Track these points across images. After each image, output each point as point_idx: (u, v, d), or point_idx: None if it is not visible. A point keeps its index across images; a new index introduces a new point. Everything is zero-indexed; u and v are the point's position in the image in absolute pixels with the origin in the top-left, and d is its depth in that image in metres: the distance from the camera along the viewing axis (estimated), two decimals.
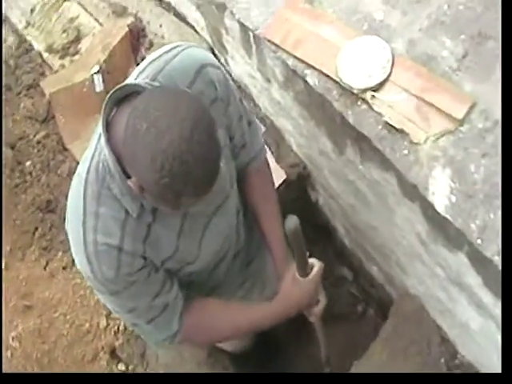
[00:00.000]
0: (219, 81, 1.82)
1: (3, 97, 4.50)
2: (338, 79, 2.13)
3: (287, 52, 2.29)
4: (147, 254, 1.79)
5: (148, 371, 3.30)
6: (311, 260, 2.18)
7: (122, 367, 3.49)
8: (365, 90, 2.07)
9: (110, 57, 3.93)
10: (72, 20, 4.45)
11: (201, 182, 1.46)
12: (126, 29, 3.96)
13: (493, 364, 2.16)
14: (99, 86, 3.91)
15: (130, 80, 1.73)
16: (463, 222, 1.80)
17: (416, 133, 1.97)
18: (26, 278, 3.92)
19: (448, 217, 1.84)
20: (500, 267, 1.71)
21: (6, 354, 3.54)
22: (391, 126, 2.01)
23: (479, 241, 1.76)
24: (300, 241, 2.02)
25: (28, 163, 4.29)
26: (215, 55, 3.06)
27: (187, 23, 3.57)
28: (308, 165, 3.05)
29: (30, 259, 4.00)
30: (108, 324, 3.73)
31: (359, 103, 2.10)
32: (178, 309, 1.96)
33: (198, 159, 1.41)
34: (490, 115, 1.86)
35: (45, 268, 3.96)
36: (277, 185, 2.74)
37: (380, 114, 2.04)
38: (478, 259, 1.83)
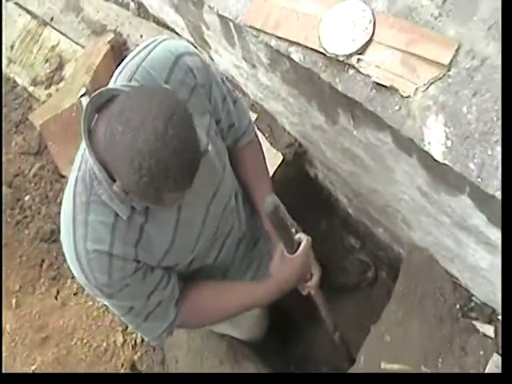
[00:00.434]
0: (197, 67, 1.85)
1: None
2: (322, 50, 2.13)
3: (269, 34, 2.29)
4: (140, 257, 1.81)
5: None
6: (298, 235, 2.15)
7: None
8: (350, 55, 2.07)
9: (94, 77, 3.96)
10: (53, 48, 4.49)
11: (181, 176, 1.47)
12: (108, 46, 3.99)
13: None
14: None
15: (109, 85, 1.74)
16: (462, 164, 1.81)
17: (405, 86, 1.97)
18: (39, 312, 3.93)
19: (447, 162, 1.85)
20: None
21: None
22: (380, 85, 2.01)
23: (479, 179, 1.77)
24: (281, 220, 1.98)
25: (27, 198, 4.31)
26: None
27: (167, 27, 3.60)
28: (303, 142, 3.07)
29: (40, 291, 4.02)
30: (125, 340, 3.75)
31: (346, 69, 2.10)
32: (174, 298, 1.99)
33: (174, 154, 1.42)
34: (476, 54, 1.87)
35: (56, 298, 3.98)
36: (274, 167, 2.79)
37: (368, 76, 2.04)
38: (480, 198, 1.84)
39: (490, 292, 2.33)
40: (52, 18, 4.56)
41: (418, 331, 2.47)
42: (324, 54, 2.14)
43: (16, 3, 4.76)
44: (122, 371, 3.63)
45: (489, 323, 2.37)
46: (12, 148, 4.54)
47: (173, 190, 1.50)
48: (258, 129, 2.57)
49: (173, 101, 1.48)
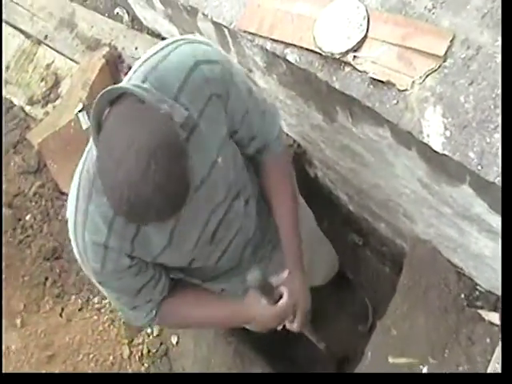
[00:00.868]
0: (215, 78, 1.76)
1: None
2: (318, 50, 2.14)
3: (264, 37, 2.30)
4: (135, 253, 1.81)
5: None
6: (282, 289, 2.13)
7: None
8: (346, 53, 2.09)
9: (91, 92, 3.96)
10: (48, 66, 4.50)
11: (162, 210, 1.44)
12: (103, 60, 3.99)
13: None
14: (85, 123, 3.94)
15: (123, 81, 1.72)
16: (461, 153, 1.83)
17: (402, 80, 1.98)
18: (44, 330, 3.92)
19: (446, 153, 1.86)
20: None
21: None
22: (377, 80, 2.02)
23: (479, 167, 1.79)
24: (263, 289, 2.04)
25: (28, 217, 4.29)
26: None
27: (162, 38, 3.61)
28: (302, 142, 3.07)
29: (44, 310, 4.01)
30: (131, 352, 3.75)
31: (342, 67, 2.11)
32: (160, 299, 2.02)
33: (156, 188, 1.38)
34: (471, 43, 1.89)
35: (61, 315, 3.97)
36: None
37: (365, 72, 2.05)
38: (481, 186, 1.86)
39: (495, 279, 2.34)
40: (46, 36, 4.57)
41: (424, 323, 2.48)
42: (320, 54, 2.16)
43: (9, 23, 4.78)
44: None
45: (494, 311, 2.39)
46: (11, 168, 4.53)
47: (154, 220, 1.47)
48: None
49: (162, 131, 1.42)
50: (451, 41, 1.93)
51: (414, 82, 1.97)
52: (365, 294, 3.49)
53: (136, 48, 3.93)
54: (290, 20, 2.27)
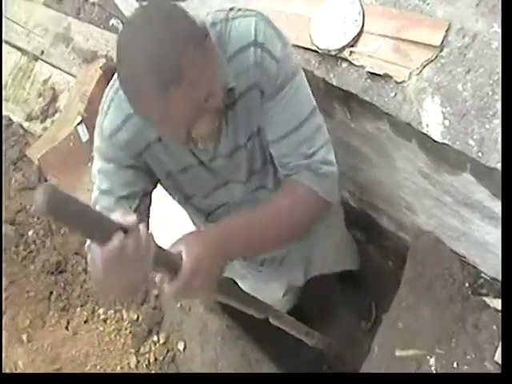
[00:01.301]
0: (267, 70, 1.68)
1: None
2: (314, 48, 2.16)
3: None
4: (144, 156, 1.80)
5: None
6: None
7: None
8: (343, 49, 2.10)
9: (89, 104, 3.99)
10: (45, 82, 4.53)
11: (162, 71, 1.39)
12: (100, 72, 4.02)
13: None
14: (84, 136, 3.97)
15: None
16: (461, 141, 1.83)
17: (399, 72, 1.99)
18: (50, 344, 3.91)
19: (446, 141, 1.87)
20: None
21: None
22: (374, 74, 2.03)
23: (480, 154, 1.79)
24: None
25: (30, 232, 4.31)
26: None
27: None
28: None
29: (50, 324, 4.00)
30: (138, 361, 3.74)
31: (339, 63, 2.12)
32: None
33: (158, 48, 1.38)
34: (467, 31, 1.89)
35: (66, 328, 3.96)
36: None
37: (362, 67, 2.06)
38: (482, 173, 1.86)
39: (498, 266, 2.33)
40: (42, 52, 4.61)
41: (430, 314, 2.47)
42: (316, 52, 2.17)
43: (5, 41, 4.81)
44: None
45: (499, 297, 2.38)
46: (12, 185, 4.55)
47: (155, 86, 1.41)
48: None
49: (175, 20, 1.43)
50: (447, 30, 1.93)
51: (411, 73, 1.98)
52: (368, 289, 3.50)
53: None
54: (285, 19, 2.29)
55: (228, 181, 1.97)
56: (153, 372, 3.66)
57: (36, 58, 4.65)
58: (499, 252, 2.21)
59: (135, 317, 3.78)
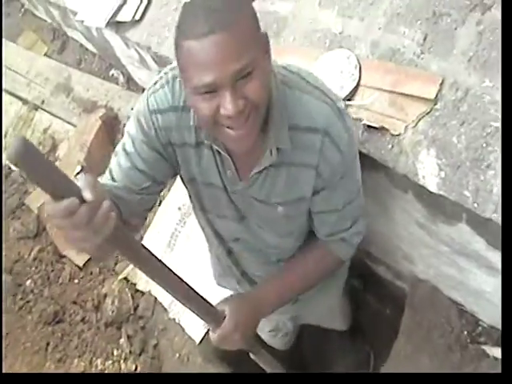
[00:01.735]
0: (328, 159, 1.73)
1: None
2: None
3: None
4: (166, 151, 1.82)
5: None
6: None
7: None
8: None
9: (89, 153, 4.05)
10: (45, 131, 4.60)
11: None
12: (100, 121, 4.10)
13: None
14: None
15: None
16: (457, 193, 1.89)
17: (395, 125, 2.05)
18: None
19: (442, 193, 1.92)
20: (500, 222, 1.79)
21: None
22: (371, 127, 2.10)
23: (475, 205, 1.84)
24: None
25: (28, 282, 4.30)
26: None
27: None
28: None
29: None
30: None
31: None
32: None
33: None
34: (460, 85, 1.96)
35: None
36: None
37: (359, 120, 2.13)
38: (478, 223, 1.91)
39: (496, 314, 2.37)
40: (43, 102, 4.69)
41: (429, 364, 2.48)
42: None
43: (7, 91, 4.90)
44: None
45: (498, 346, 2.39)
46: (10, 234, 4.56)
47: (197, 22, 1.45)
48: None
49: None
50: (441, 84, 2.00)
51: (407, 126, 2.04)
52: (366, 338, 3.51)
53: (132, 108, 4.02)
54: None
55: (244, 217, 2.00)
56: None
57: (36, 108, 4.73)
58: (496, 300, 2.25)
59: (133, 367, 3.77)
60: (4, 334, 4.08)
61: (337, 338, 3.39)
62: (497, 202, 1.81)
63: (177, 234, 3.74)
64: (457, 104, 1.96)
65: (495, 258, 2.02)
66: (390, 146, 2.08)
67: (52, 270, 4.31)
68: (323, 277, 2.16)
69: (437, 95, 2.01)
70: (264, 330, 2.83)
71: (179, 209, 3.80)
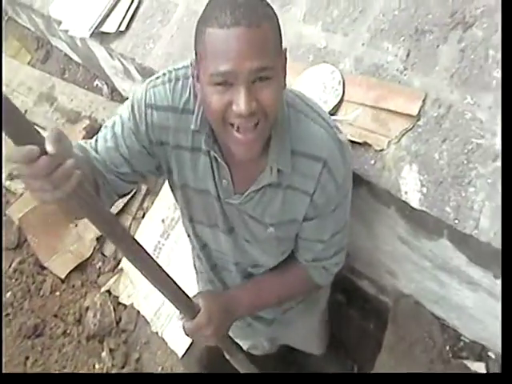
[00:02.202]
0: (324, 189, 1.77)
1: None
2: None
3: None
4: (157, 149, 1.82)
5: None
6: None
7: None
8: None
9: None
10: None
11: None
12: (84, 132, 4.09)
13: (493, 333, 2.29)
14: None
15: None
16: (439, 209, 1.94)
17: (378, 141, 2.10)
18: None
19: (424, 209, 1.97)
20: (480, 239, 1.85)
21: None
22: (354, 142, 2.13)
23: (456, 221, 1.90)
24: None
25: (8, 294, 4.25)
26: None
27: None
28: None
29: None
30: None
31: None
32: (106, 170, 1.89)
33: None
34: (442, 102, 2.02)
35: None
36: None
37: None
38: (459, 239, 1.96)
39: (478, 329, 2.42)
40: (26, 111, 4.69)
41: None
42: None
43: None
44: None
45: (479, 361, 2.45)
46: None
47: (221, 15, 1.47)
48: None
49: None
50: (423, 100, 2.06)
51: (389, 142, 2.09)
52: (350, 352, 3.56)
53: None
54: None
55: (233, 229, 2.02)
56: None
57: None
58: (478, 315, 2.30)
59: None
60: None
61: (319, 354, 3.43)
62: (477, 218, 1.86)
63: (160, 246, 3.76)
64: (439, 120, 2.02)
65: (476, 273, 2.07)
66: (372, 162, 2.12)
67: (33, 282, 4.27)
68: (297, 296, 2.28)
69: (419, 111, 2.06)
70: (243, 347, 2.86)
71: (163, 221, 3.83)
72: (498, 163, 1.86)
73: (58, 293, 4.19)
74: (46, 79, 4.78)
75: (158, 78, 1.77)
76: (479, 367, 2.41)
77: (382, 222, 2.35)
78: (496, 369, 2.41)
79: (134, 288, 3.78)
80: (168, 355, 3.57)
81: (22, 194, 4.48)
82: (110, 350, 3.80)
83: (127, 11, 3.36)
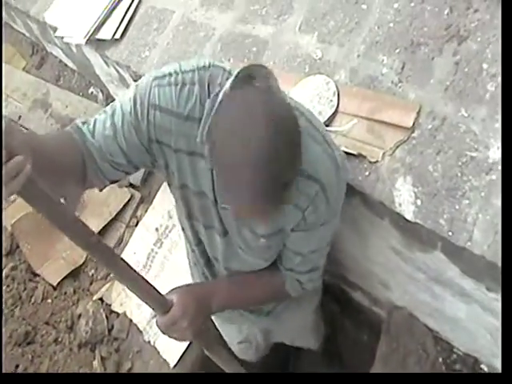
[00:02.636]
0: (317, 208, 1.80)
1: None
2: None
3: None
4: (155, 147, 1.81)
5: None
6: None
7: None
8: None
9: None
10: None
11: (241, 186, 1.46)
12: None
13: (485, 345, 2.30)
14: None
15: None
16: (432, 221, 1.95)
17: (373, 152, 2.12)
18: None
19: (418, 221, 1.98)
20: (473, 251, 1.86)
21: None
22: (349, 153, 2.14)
23: (450, 233, 1.91)
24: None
25: None
26: None
27: None
28: None
29: None
30: None
31: None
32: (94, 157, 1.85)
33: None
34: (437, 114, 2.04)
35: None
36: None
37: None
38: (452, 251, 1.97)
39: (470, 342, 2.43)
40: (20, 117, 4.70)
41: None
42: None
43: None
44: None
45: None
46: None
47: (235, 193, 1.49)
48: None
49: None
50: (418, 113, 2.08)
51: (384, 153, 2.11)
52: (343, 363, 3.57)
53: None
54: None
55: (227, 232, 2.04)
56: None
57: (13, 123, 4.75)
58: (471, 328, 2.32)
59: None
60: None
61: (313, 363, 3.44)
62: (471, 231, 1.87)
63: (153, 254, 3.78)
64: (433, 133, 2.04)
65: (468, 285, 2.08)
66: (367, 173, 2.14)
67: (24, 289, 4.25)
68: (270, 301, 2.37)
69: (414, 123, 2.08)
70: (233, 342, 2.91)
71: (156, 230, 3.85)
72: (492, 176, 1.88)
73: (49, 300, 4.18)
74: (41, 85, 4.79)
75: (164, 76, 1.74)
76: None
77: (375, 233, 2.36)
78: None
79: (126, 296, 3.79)
80: (160, 364, 3.57)
81: (14, 201, 4.47)
82: (102, 359, 3.80)
83: (123, 18, 3.37)
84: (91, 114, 4.23)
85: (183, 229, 2.22)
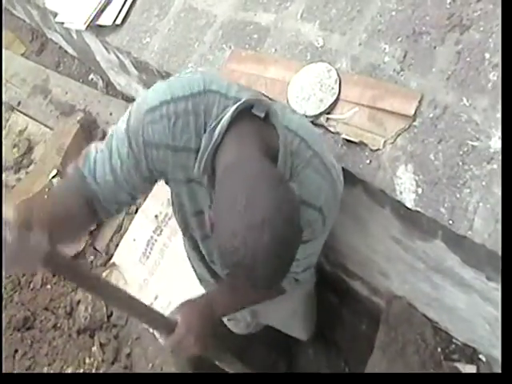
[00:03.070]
0: (314, 229, 1.83)
1: None
2: None
3: None
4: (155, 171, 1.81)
5: None
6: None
7: None
8: (319, 115, 2.23)
9: (65, 157, 4.04)
10: (21, 132, 4.60)
11: (261, 279, 1.48)
12: (77, 125, 4.10)
13: (484, 336, 2.31)
14: None
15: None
16: (433, 209, 1.95)
17: (374, 140, 2.11)
18: None
19: (419, 209, 1.98)
20: (474, 240, 1.86)
21: None
22: (350, 141, 2.15)
23: (451, 222, 1.91)
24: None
25: None
26: None
27: None
28: None
29: None
30: None
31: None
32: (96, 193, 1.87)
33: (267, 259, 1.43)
34: (438, 103, 2.04)
35: None
36: None
37: (337, 134, 2.18)
38: (453, 240, 1.97)
39: (469, 332, 2.44)
40: (19, 103, 4.69)
41: None
42: None
43: None
44: None
45: (471, 363, 2.47)
46: None
47: (245, 278, 1.50)
48: None
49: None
50: (419, 101, 2.07)
51: (385, 141, 2.11)
52: (341, 352, 3.57)
53: (111, 113, 4.05)
54: (264, 84, 2.41)
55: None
56: None
57: (12, 109, 4.73)
58: (470, 317, 2.32)
59: None
60: None
61: (311, 353, 3.45)
62: (471, 219, 1.88)
63: (153, 242, 3.77)
64: (435, 121, 2.03)
65: (468, 275, 2.08)
66: (368, 161, 2.13)
67: (23, 275, 4.28)
68: (267, 298, 2.32)
69: (415, 112, 2.07)
70: (224, 319, 2.94)
71: (156, 217, 3.84)
72: (493, 165, 1.88)
73: (48, 286, 4.19)
74: (41, 71, 4.78)
75: (155, 108, 1.69)
76: (470, 370, 2.43)
77: (375, 221, 2.36)
78: (487, 371, 2.44)
79: (125, 283, 3.79)
80: (159, 351, 3.58)
81: (13, 187, 4.46)
82: (101, 345, 3.81)
83: (124, 4, 3.35)
84: (91, 100, 4.24)
85: (183, 234, 2.28)
